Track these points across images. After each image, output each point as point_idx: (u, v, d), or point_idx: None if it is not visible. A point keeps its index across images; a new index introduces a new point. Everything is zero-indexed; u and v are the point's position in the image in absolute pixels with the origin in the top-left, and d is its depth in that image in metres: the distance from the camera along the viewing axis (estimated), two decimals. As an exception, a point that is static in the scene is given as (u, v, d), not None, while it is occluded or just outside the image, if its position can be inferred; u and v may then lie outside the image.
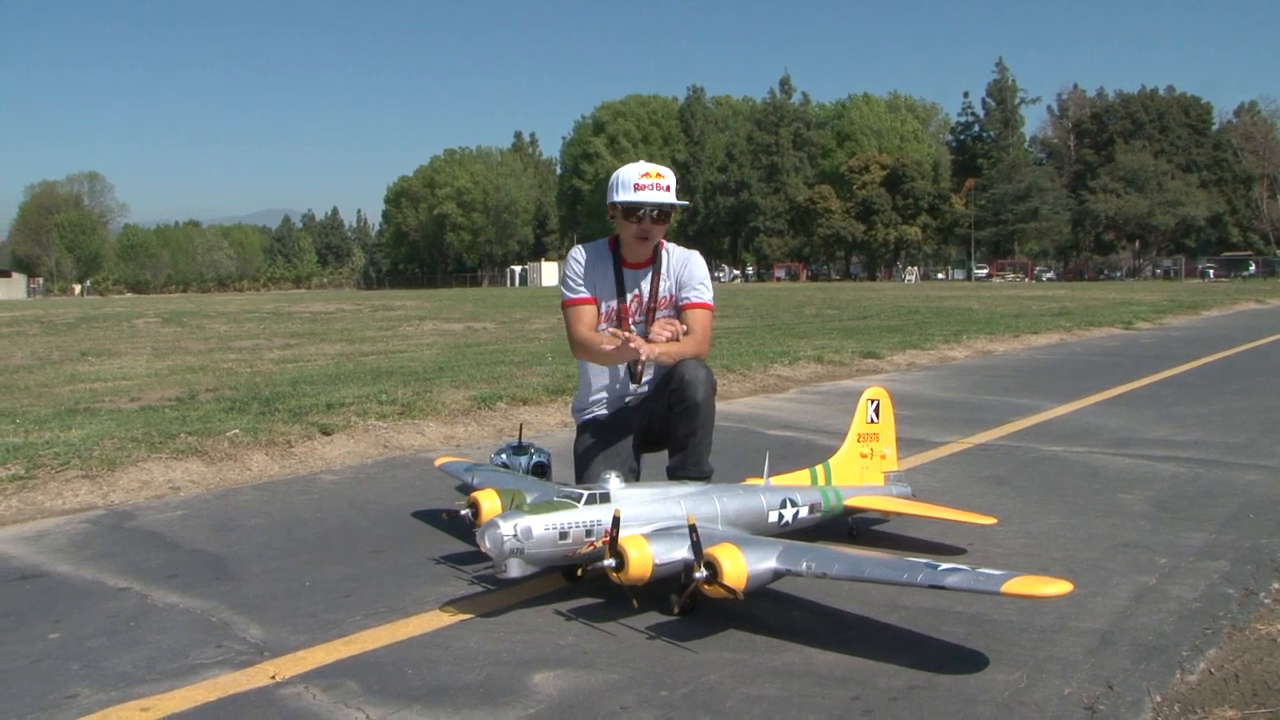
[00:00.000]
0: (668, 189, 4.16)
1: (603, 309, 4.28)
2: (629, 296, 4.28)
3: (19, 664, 2.89)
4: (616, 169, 4.33)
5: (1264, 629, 3.04)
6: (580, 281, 4.28)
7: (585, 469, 4.15)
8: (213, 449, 5.81)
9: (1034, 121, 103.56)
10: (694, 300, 4.33)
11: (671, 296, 4.33)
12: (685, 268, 4.36)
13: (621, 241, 4.30)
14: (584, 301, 4.26)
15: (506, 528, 3.10)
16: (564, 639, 3.04)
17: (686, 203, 4.23)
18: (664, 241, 4.35)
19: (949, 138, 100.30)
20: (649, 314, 4.29)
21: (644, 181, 4.13)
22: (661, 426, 4.14)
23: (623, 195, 4.14)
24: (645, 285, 4.29)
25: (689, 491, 3.52)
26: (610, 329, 4.15)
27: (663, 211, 4.18)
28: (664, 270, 4.32)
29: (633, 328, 4.25)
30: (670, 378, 4.04)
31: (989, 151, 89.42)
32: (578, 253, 4.36)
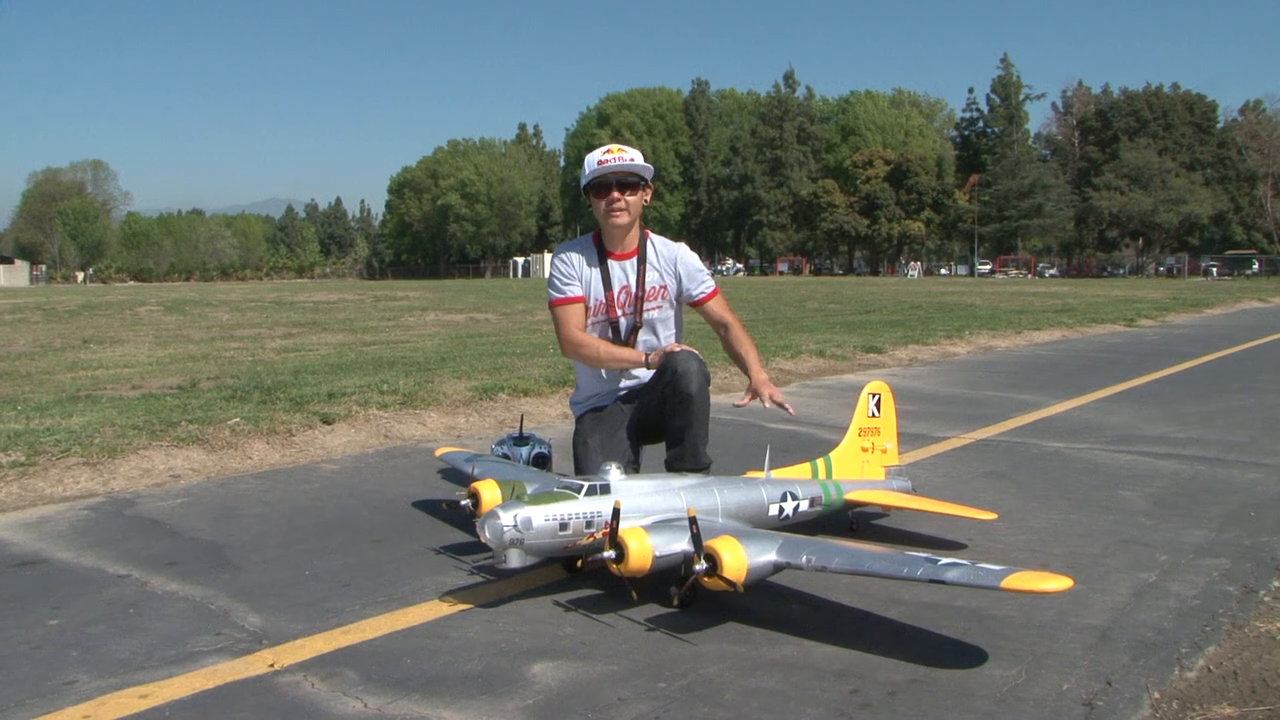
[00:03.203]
0: (630, 159, 4.20)
1: (591, 302, 4.28)
2: (616, 287, 4.28)
3: (18, 650, 2.89)
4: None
5: (1263, 626, 3.04)
6: (568, 280, 4.28)
7: (585, 460, 4.15)
8: (214, 437, 5.81)
9: (1038, 118, 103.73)
10: (708, 292, 4.41)
11: (663, 289, 4.34)
12: (679, 263, 4.39)
13: (604, 232, 4.31)
14: (572, 301, 4.27)
15: (506, 518, 3.10)
16: (563, 630, 3.04)
17: (651, 167, 4.25)
18: (648, 231, 4.41)
19: (953, 133, 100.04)
20: (637, 304, 4.29)
21: (606, 157, 4.20)
22: (657, 419, 4.14)
23: (589, 173, 4.20)
24: (632, 276, 4.30)
25: (689, 484, 3.52)
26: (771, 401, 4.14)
27: (629, 183, 4.20)
28: (650, 260, 4.33)
29: (621, 319, 4.26)
30: (664, 370, 4.04)
31: (993, 147, 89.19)
32: (562, 251, 4.39)
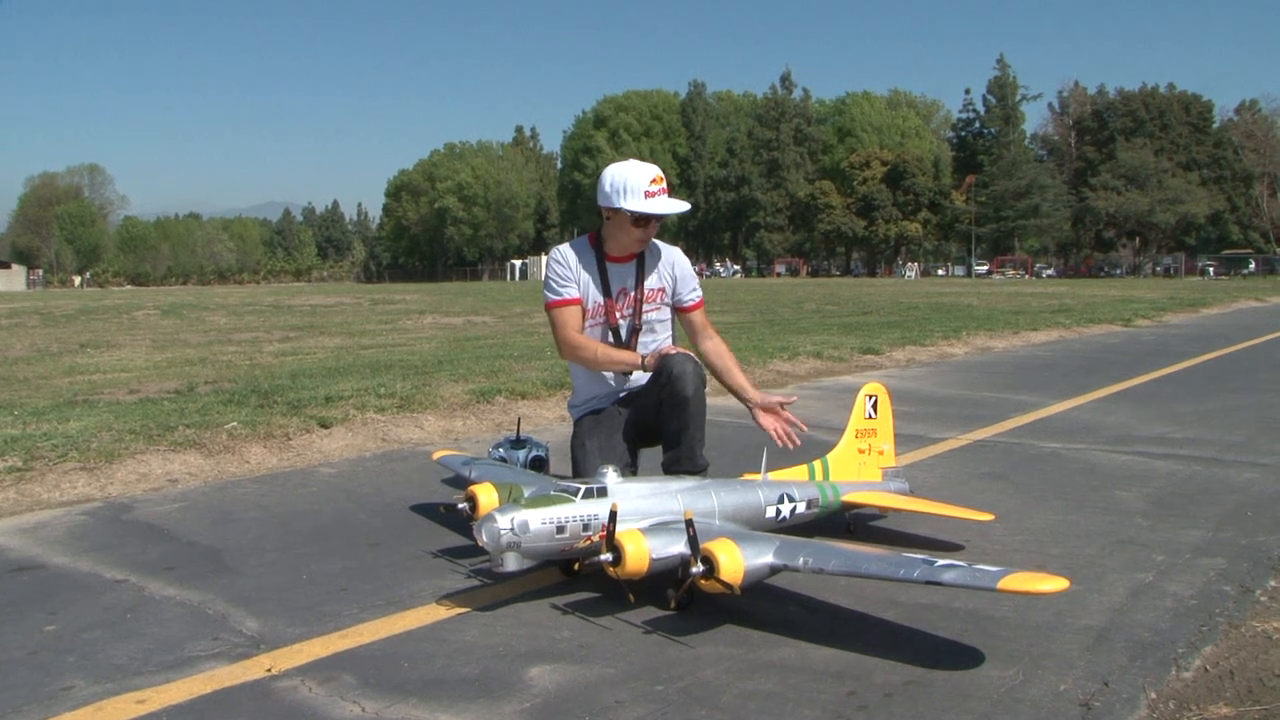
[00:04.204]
0: (669, 192, 4.21)
1: (589, 306, 4.28)
2: (615, 290, 4.29)
3: (15, 655, 2.89)
4: (609, 165, 4.33)
5: (1260, 626, 3.05)
6: (565, 282, 4.27)
7: (582, 463, 4.15)
8: (211, 441, 5.81)
9: (1035, 118, 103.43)
10: (695, 301, 4.47)
11: (660, 291, 4.36)
12: (675, 266, 4.43)
13: (607, 237, 4.30)
14: (569, 303, 4.26)
15: (504, 522, 3.09)
16: (560, 633, 3.04)
17: (688, 206, 4.28)
18: None
19: (950, 134, 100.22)
20: (636, 307, 4.30)
21: (653, 189, 4.12)
22: (654, 422, 4.14)
23: (633, 204, 4.10)
24: (631, 279, 4.31)
25: (686, 486, 3.52)
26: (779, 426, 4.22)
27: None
28: (648, 263, 4.35)
29: (620, 322, 4.27)
30: (660, 373, 4.05)
31: (990, 148, 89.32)
32: (559, 253, 4.37)
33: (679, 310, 4.46)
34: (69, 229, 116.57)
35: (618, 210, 4.15)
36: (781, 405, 4.22)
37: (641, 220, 4.16)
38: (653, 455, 4.29)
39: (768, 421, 4.21)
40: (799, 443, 4.21)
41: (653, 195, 4.11)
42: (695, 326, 4.48)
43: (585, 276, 4.29)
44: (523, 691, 2.61)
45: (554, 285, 4.30)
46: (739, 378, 4.37)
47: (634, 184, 4.11)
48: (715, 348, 4.43)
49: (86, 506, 4.74)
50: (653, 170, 4.17)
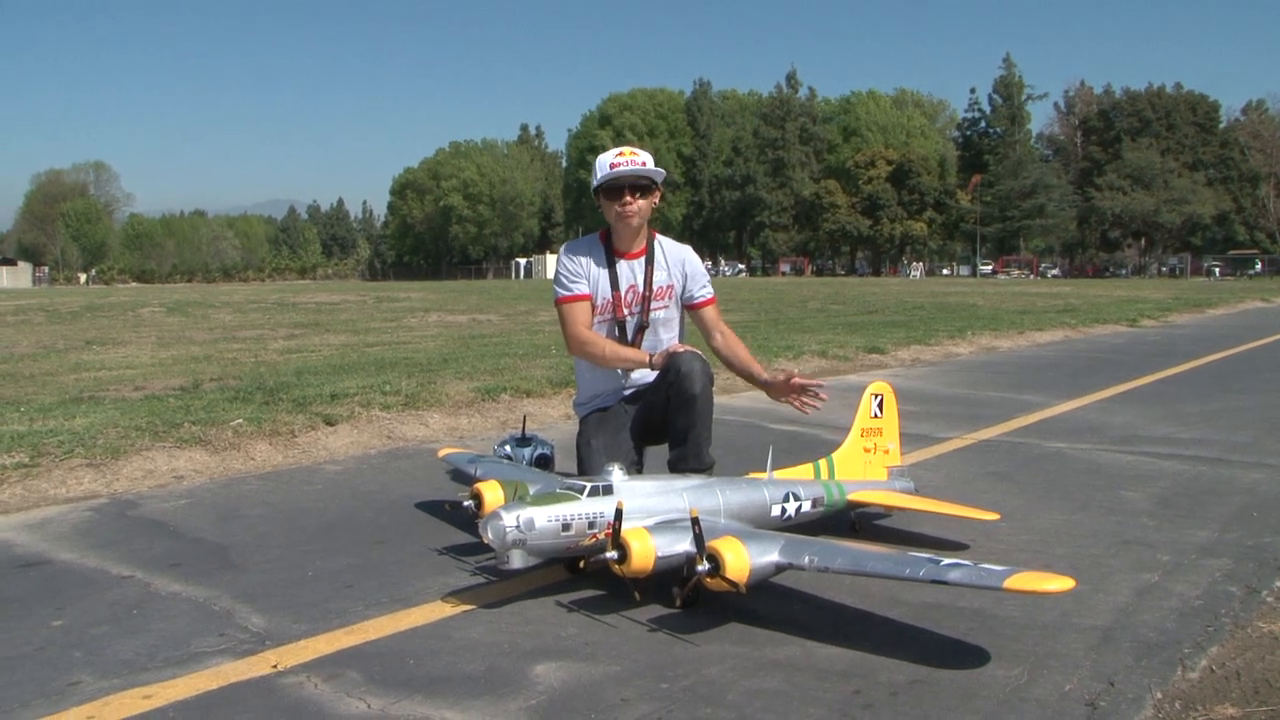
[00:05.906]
0: (643, 164, 4.21)
1: (598, 302, 4.29)
2: (624, 287, 4.30)
3: (22, 651, 2.90)
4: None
5: (1266, 626, 3.04)
6: (574, 278, 4.29)
7: (588, 461, 4.16)
8: (216, 438, 5.82)
9: (1040, 118, 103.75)
10: (707, 298, 4.48)
11: (669, 288, 4.36)
12: (685, 264, 4.44)
13: (613, 231, 4.32)
14: (578, 299, 4.28)
15: (509, 519, 3.10)
16: (566, 631, 3.04)
17: (663, 171, 4.27)
18: (655, 232, 4.43)
19: (955, 134, 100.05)
20: (644, 304, 4.30)
21: (619, 160, 4.21)
22: (661, 419, 4.14)
23: (600, 176, 4.22)
24: (640, 276, 4.31)
25: (692, 484, 3.52)
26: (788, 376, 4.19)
27: (642, 186, 4.22)
28: (658, 260, 4.35)
29: (627, 318, 4.28)
30: (667, 370, 4.05)
31: (995, 148, 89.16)
32: (570, 248, 4.41)
33: (690, 307, 4.46)
34: (75, 226, 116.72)
35: (596, 193, 4.28)
36: (791, 379, 4.13)
37: (610, 192, 4.21)
38: (659, 453, 4.29)
39: (784, 397, 4.21)
40: (821, 403, 4.15)
41: (617, 165, 4.19)
42: (707, 323, 4.49)
43: (595, 272, 4.30)
44: (528, 689, 2.61)
45: (564, 281, 4.32)
46: (751, 365, 4.38)
47: (602, 162, 4.26)
48: (726, 340, 4.44)
49: (93, 503, 4.76)
50: (624, 148, 4.27)
